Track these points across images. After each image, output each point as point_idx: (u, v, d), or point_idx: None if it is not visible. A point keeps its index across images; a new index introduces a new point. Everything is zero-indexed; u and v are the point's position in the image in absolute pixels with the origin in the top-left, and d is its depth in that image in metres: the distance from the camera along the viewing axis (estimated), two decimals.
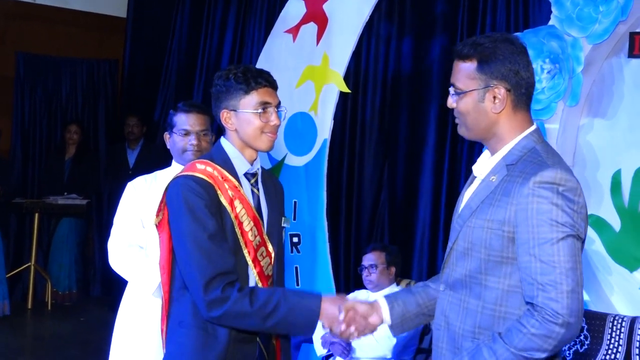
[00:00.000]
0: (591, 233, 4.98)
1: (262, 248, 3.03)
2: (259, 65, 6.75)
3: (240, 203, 2.98)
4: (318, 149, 6.31)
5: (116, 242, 4.01)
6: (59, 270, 8.57)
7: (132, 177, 8.23)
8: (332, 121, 6.30)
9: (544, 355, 2.45)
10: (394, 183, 6.55)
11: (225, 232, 2.92)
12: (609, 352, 4.30)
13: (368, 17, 6.22)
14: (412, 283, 5.28)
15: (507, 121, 2.63)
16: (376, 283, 5.01)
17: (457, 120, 2.71)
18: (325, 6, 6.32)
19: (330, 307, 2.89)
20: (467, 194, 2.72)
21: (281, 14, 6.66)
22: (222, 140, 3.11)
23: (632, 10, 4.76)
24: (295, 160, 6.42)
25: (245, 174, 3.08)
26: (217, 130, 3.73)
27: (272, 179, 3.29)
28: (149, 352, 3.82)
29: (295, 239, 6.33)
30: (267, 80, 3.05)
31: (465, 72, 2.64)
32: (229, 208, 2.95)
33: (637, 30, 4.92)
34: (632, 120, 4.96)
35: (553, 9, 5.03)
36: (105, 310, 8.50)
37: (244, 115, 3.03)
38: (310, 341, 5.05)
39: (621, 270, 4.94)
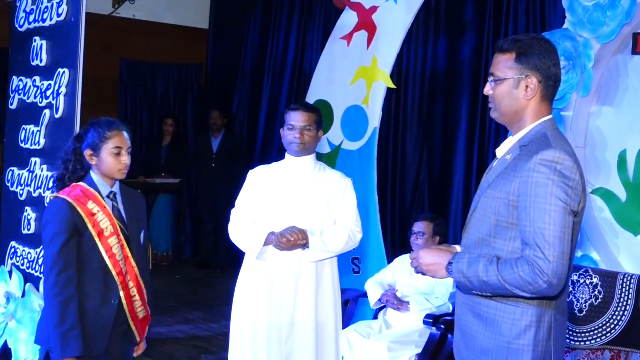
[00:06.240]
0: (601, 203, 4.90)
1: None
2: (319, 67, 6.77)
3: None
4: (369, 136, 6.25)
5: (234, 217, 3.98)
6: (158, 236, 8.64)
7: (215, 161, 8.35)
8: (381, 112, 6.23)
9: (520, 294, 2.40)
10: (432, 164, 6.49)
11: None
12: (620, 305, 4.19)
13: (410, 25, 6.14)
14: None
15: (533, 108, 2.54)
16: (421, 248, 4.90)
17: (490, 105, 2.61)
18: (374, 16, 6.26)
19: None
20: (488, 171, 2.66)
21: (337, 23, 6.61)
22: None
23: (636, 14, 4.63)
24: (350, 146, 6.37)
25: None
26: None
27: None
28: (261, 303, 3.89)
29: None
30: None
31: (504, 63, 2.54)
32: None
33: None
34: (635, 108, 4.83)
35: (567, 14, 4.89)
36: (195, 269, 8.57)
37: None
38: (366, 295, 5.00)
39: (627, 235, 4.82)
